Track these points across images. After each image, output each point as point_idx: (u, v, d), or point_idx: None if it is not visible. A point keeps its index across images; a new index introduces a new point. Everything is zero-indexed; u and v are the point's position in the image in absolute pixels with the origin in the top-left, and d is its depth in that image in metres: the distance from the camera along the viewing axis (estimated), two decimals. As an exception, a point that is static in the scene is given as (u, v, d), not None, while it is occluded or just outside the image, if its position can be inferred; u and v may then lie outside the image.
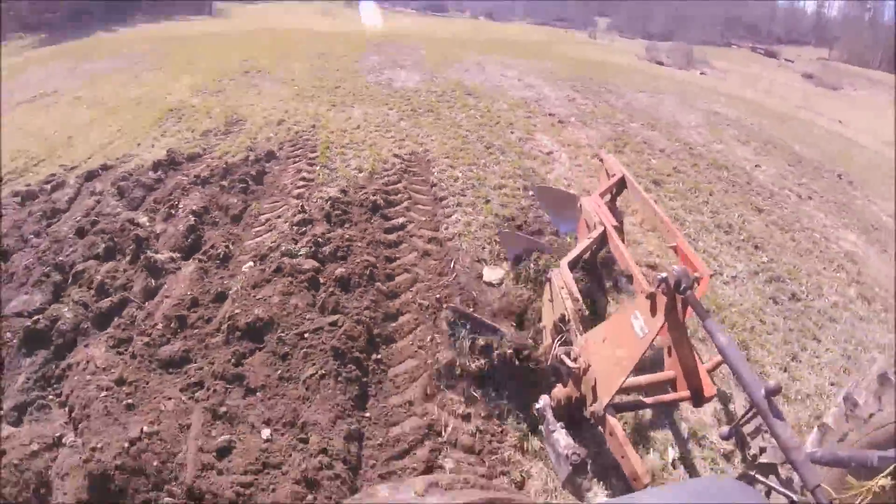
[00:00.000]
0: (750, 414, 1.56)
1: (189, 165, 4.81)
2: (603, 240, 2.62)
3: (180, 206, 3.94)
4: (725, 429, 1.75)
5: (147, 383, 2.32)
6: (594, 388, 1.87)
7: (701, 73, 18.87)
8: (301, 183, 4.17)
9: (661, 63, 19.88)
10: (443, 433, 2.11)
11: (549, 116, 6.03)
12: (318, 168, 4.46)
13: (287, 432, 2.09)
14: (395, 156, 4.81)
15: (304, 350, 2.43)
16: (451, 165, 4.47)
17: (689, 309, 1.66)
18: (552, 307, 2.39)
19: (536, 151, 4.94)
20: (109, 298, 2.93)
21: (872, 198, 5.82)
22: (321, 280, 2.95)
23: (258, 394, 2.26)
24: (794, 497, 1.41)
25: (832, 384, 2.48)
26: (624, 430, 1.83)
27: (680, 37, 24.62)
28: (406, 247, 3.40)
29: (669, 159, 5.02)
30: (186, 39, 15.97)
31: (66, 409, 2.25)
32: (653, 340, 1.68)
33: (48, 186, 4.84)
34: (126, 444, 1.82)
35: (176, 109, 6.83)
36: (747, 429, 1.80)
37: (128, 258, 3.32)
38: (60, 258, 3.41)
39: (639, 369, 1.85)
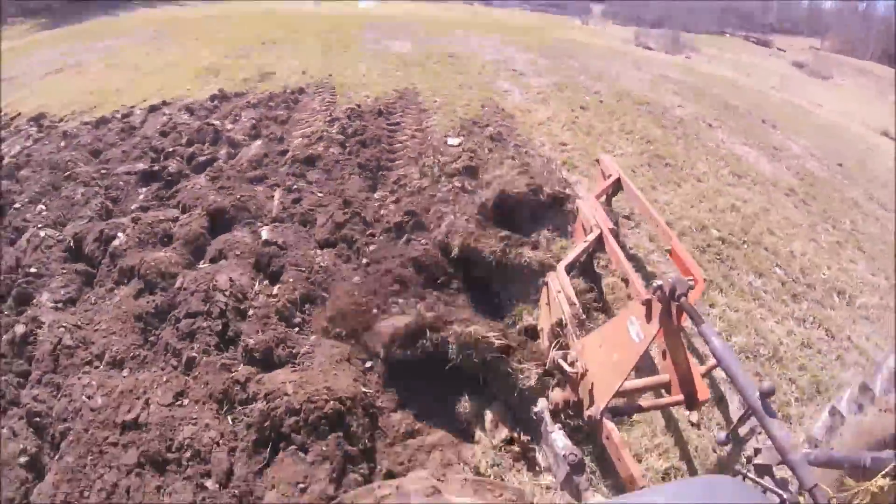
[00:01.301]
0: (746, 415, 1.74)
1: (237, 98, 7.09)
2: (599, 243, 2.94)
3: (241, 116, 6.22)
4: (722, 434, 1.93)
5: (240, 186, 4.51)
6: (591, 392, 2.09)
7: (686, 58, 21.40)
8: (328, 104, 6.48)
9: (649, 48, 22.34)
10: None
11: (513, 71, 8.41)
12: (338, 97, 6.76)
13: (333, 199, 4.32)
14: (394, 90, 7.14)
15: (340, 167, 4.71)
16: (432, 95, 6.79)
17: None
18: (549, 311, 2.66)
19: (496, 89, 7.30)
20: (200, 158, 5.12)
21: (794, 138, 8.10)
22: (348, 144, 5.24)
23: (314, 185, 4.51)
24: (785, 496, 1.53)
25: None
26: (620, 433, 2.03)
27: (673, 25, 27.26)
28: (400, 133, 5.69)
29: (600, 95, 7.38)
30: (193, 21, 18.15)
31: (179, 206, 4.36)
32: (648, 345, 1.88)
33: (118, 115, 7.06)
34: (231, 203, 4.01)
35: (211, 68, 9.10)
36: (743, 430, 1.98)
37: (209, 140, 5.56)
38: (153, 143, 5.60)
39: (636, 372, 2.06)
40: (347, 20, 15.50)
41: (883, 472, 1.32)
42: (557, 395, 2.31)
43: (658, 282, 1.86)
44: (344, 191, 4.34)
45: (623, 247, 3.44)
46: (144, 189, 4.59)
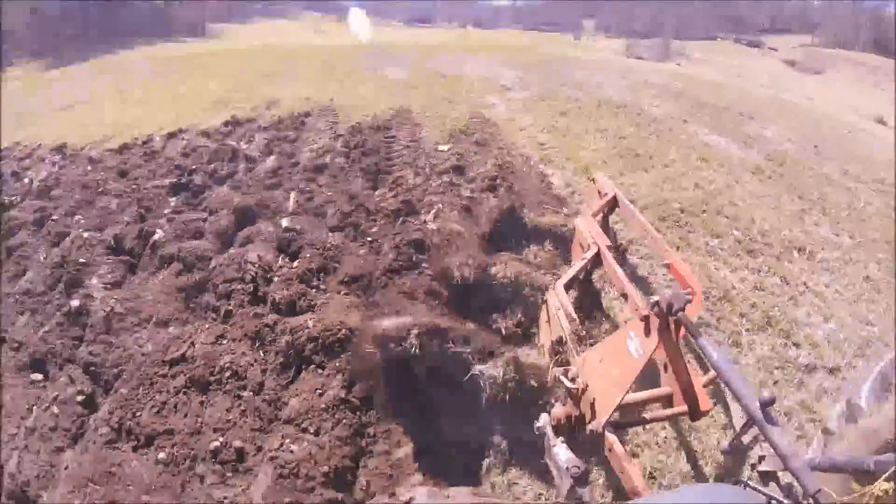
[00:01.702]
0: (747, 425, 1.83)
1: (249, 124, 7.96)
2: (597, 260, 3.06)
3: (255, 137, 7.07)
4: (725, 443, 2.03)
5: (260, 191, 5.28)
6: (593, 407, 2.18)
7: (676, 64, 22.40)
8: (331, 123, 7.31)
9: (640, 58, 23.41)
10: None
11: (499, 87, 9.27)
12: (339, 117, 7.61)
13: (340, 196, 5.04)
14: (390, 109, 7.97)
15: (345, 172, 5.47)
16: (425, 112, 7.62)
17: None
18: (549, 328, 2.80)
19: (483, 103, 8.12)
20: (221, 173, 5.94)
21: (769, 126, 8.78)
22: (351, 155, 6.02)
23: (324, 187, 5.26)
24: (788, 502, 1.61)
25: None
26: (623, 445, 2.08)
27: (664, 34, 28.49)
28: (396, 143, 6.47)
29: (580, 103, 8.16)
30: (194, 57, 19.38)
31: (207, 210, 5.12)
32: (648, 360, 1.98)
33: (139, 142, 7.95)
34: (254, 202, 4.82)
35: (220, 100, 10.08)
36: (745, 439, 2.05)
37: (227, 158, 6.39)
38: (176, 163, 6.43)
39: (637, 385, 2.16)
40: (343, 51, 16.66)
41: (886, 476, 1.34)
42: (559, 410, 2.41)
43: (655, 297, 1.95)
44: (349, 189, 5.10)
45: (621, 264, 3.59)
46: (174, 198, 5.37)
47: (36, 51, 27.23)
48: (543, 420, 2.38)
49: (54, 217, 5.55)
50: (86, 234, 4.81)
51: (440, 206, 4.46)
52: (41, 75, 21.76)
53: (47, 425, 2.98)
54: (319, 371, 2.79)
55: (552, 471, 2.25)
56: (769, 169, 6.50)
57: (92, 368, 3.28)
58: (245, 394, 2.75)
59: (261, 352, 3.02)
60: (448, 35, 24.16)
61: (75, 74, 18.85)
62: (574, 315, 2.70)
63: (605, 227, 3.61)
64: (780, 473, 1.84)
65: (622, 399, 2.09)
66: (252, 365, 2.87)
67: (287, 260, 3.90)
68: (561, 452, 2.17)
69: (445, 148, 6.03)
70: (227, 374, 2.84)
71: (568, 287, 2.96)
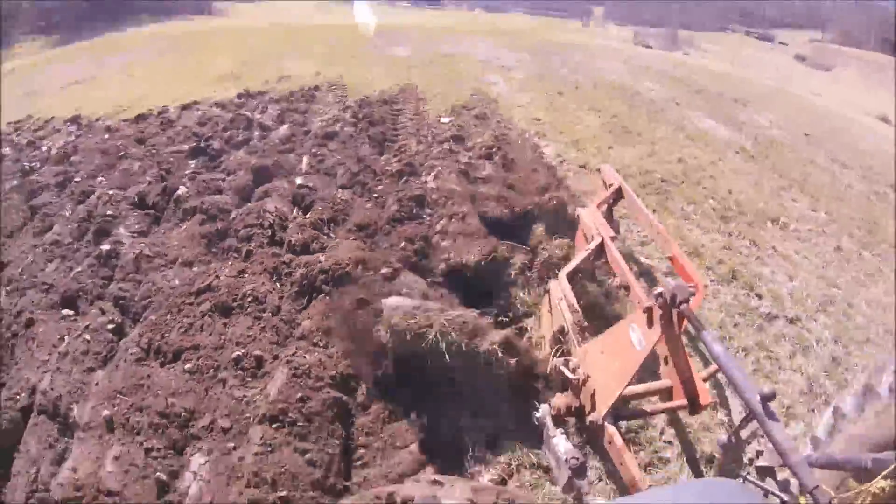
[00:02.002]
0: (747, 419, 1.87)
1: (261, 96, 8.40)
2: (601, 250, 3.11)
3: (268, 108, 7.52)
4: (724, 436, 2.05)
5: (275, 155, 5.75)
6: (593, 398, 2.23)
7: (684, 54, 22.63)
8: (340, 97, 7.78)
9: (648, 46, 23.63)
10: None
11: (501, 67, 9.69)
12: (348, 92, 8.06)
13: (349, 159, 5.50)
14: (396, 85, 8.43)
15: (353, 139, 5.93)
16: (429, 88, 8.08)
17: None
18: (551, 318, 2.85)
19: (485, 81, 8.55)
20: (237, 139, 6.40)
21: (763, 114, 9.19)
22: (359, 125, 6.47)
23: (334, 151, 5.71)
24: (786, 498, 1.66)
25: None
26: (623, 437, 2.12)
27: (674, 24, 28.62)
28: (401, 116, 6.92)
29: (578, 84, 8.59)
30: (202, 34, 19.70)
31: (225, 171, 5.58)
32: (650, 352, 2.03)
33: (154, 112, 8.40)
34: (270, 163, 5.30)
35: (231, 74, 10.51)
36: (745, 433, 2.10)
37: (242, 126, 6.85)
38: (193, 131, 6.89)
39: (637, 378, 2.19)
40: (350, 31, 17.01)
41: (883, 474, 1.36)
42: (559, 400, 2.45)
43: (659, 289, 1.98)
44: (358, 154, 5.57)
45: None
46: (193, 161, 5.84)
47: (42, 28, 27.58)
48: (543, 411, 2.42)
49: (76, 179, 5.99)
50: (110, 192, 5.27)
51: (440, 168, 4.93)
52: (48, 52, 22.12)
53: (79, 350, 3.33)
54: (328, 298, 3.28)
55: (551, 462, 2.29)
56: (755, 150, 6.95)
57: (121, 302, 3.72)
58: (264, 315, 3.23)
59: (278, 283, 3.50)
60: (456, 18, 24.37)
61: (83, 52, 19.07)
62: (576, 305, 2.73)
63: (610, 217, 3.68)
64: (778, 469, 1.90)
65: (623, 391, 2.12)
66: (271, 292, 3.36)
67: (300, 212, 4.38)
68: (560, 444, 2.23)
69: (447, 120, 6.49)
70: (249, 299, 3.32)
71: (571, 277, 3.02)
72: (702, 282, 2.85)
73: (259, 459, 2.32)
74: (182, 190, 4.89)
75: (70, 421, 2.81)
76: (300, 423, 2.48)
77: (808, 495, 1.45)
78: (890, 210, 6.42)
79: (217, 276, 3.55)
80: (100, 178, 5.85)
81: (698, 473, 2.66)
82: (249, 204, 4.55)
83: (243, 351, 2.99)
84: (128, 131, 7.54)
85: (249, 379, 2.89)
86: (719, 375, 2.82)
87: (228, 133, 6.55)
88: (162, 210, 4.85)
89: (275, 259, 3.67)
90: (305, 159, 5.48)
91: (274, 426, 2.45)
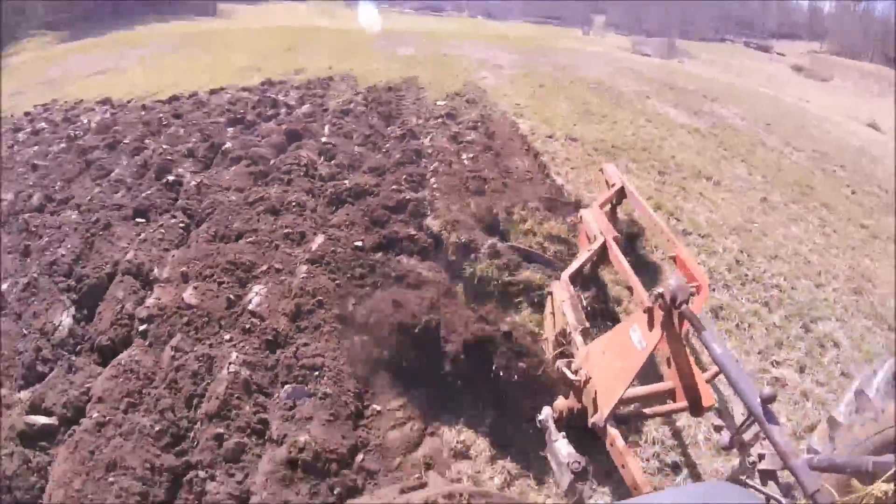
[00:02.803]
0: (748, 422, 1.97)
1: (281, 84, 10.13)
2: (604, 251, 3.23)
3: (289, 93, 9.24)
4: (725, 438, 2.19)
5: (301, 124, 7.43)
6: (595, 400, 2.35)
7: (679, 62, 24.60)
8: (352, 86, 9.51)
9: (645, 55, 25.63)
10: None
11: (493, 65, 11.47)
12: (358, 82, 9.80)
13: (362, 127, 7.17)
14: (400, 77, 10.17)
15: (365, 115, 7.62)
16: (428, 80, 9.80)
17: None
18: (553, 320, 2.98)
19: (477, 76, 10.31)
20: (266, 114, 8.08)
21: (729, 108, 10.86)
22: (369, 105, 8.18)
23: (350, 122, 7.38)
24: (786, 501, 1.73)
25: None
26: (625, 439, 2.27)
27: (673, 34, 30.78)
28: (404, 100, 8.63)
29: (559, 79, 10.33)
30: (210, 33, 21.59)
31: (260, 137, 7.23)
32: (651, 353, 2.14)
33: (185, 95, 10.09)
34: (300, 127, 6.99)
35: (251, 66, 12.28)
36: (746, 436, 2.22)
37: (269, 105, 8.54)
38: (225, 108, 8.56)
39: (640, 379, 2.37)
40: (356, 33, 18.94)
41: (885, 477, 1.43)
42: (562, 403, 2.56)
43: (659, 289, 2.05)
44: (369, 123, 7.25)
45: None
46: (231, 129, 7.49)
47: (50, 24, 29.77)
48: (545, 413, 2.51)
49: (125, 141, 7.58)
50: (163, 147, 6.88)
51: (434, 134, 6.59)
52: (58, 47, 24.06)
53: (156, 237, 4.60)
54: (351, 206, 4.88)
55: (552, 465, 2.39)
56: (707, 131, 8.60)
57: (188, 211, 5.16)
58: (305, 212, 4.82)
59: (313, 198, 5.10)
60: (458, 24, 26.41)
61: (94, 47, 20.93)
62: (579, 307, 2.87)
63: (613, 218, 3.84)
64: (779, 472, 1.97)
65: (624, 392, 2.22)
66: (308, 202, 4.95)
67: (326, 160, 6.03)
68: (562, 447, 2.31)
69: (442, 103, 8.19)
70: (293, 205, 4.89)
71: (573, 279, 3.15)
72: (706, 281, 3.04)
73: (303, 281, 3.80)
74: (228, 144, 6.54)
75: (151, 278, 4.06)
76: (332, 264, 4.01)
77: (809, 499, 1.51)
78: (831, 181, 7.97)
79: (266, 193, 5.16)
80: (147, 141, 7.38)
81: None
82: (284, 154, 6.19)
83: (291, 230, 4.54)
84: (164, 109, 9.18)
85: (296, 245, 4.40)
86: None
87: (258, 110, 8.23)
88: (211, 160, 6.45)
89: (310, 184, 5.30)
90: (327, 127, 7.15)
91: (314, 265, 4.00)
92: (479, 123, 7.17)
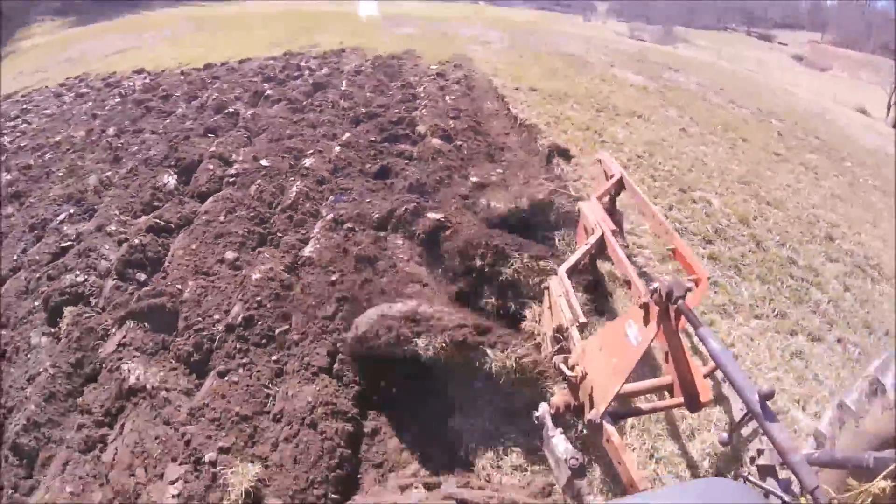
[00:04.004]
0: (746, 418, 2.11)
1: (301, 55, 12.98)
2: (602, 245, 3.50)
3: (310, 61, 12.11)
4: (724, 434, 2.31)
5: (323, 78, 10.31)
6: (591, 396, 2.52)
7: (674, 48, 27.41)
8: (361, 56, 12.45)
9: (642, 40, 28.41)
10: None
11: (483, 41, 14.33)
12: (366, 53, 12.68)
13: (372, 82, 9.98)
14: (401, 50, 13.05)
15: (373, 75, 10.48)
16: (425, 51, 12.68)
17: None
18: (550, 315, 3.23)
19: (467, 49, 13.17)
20: (293, 75, 10.95)
21: (690, 77, 13.61)
22: (377, 68, 11.04)
23: (362, 78, 10.22)
24: (787, 498, 1.86)
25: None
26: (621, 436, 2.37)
27: (674, 21, 33.63)
28: (404, 66, 11.48)
29: (538, 52, 13.13)
30: (224, 17, 24.40)
31: (291, 89, 10.14)
32: (647, 348, 2.29)
33: (217, 63, 12.98)
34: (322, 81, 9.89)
35: (271, 42, 15.17)
36: (745, 432, 2.35)
37: (293, 68, 11.40)
38: (257, 72, 11.43)
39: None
40: (363, 16, 21.87)
41: (884, 473, 1.52)
42: (558, 398, 2.77)
43: (655, 284, 2.21)
44: (377, 79, 10.09)
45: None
46: (266, 84, 10.35)
47: (59, 10, 33.00)
48: (542, 409, 2.71)
49: (176, 94, 10.44)
50: (214, 96, 9.73)
51: (426, 86, 9.41)
52: (68, 31, 27.01)
53: (227, 142, 7.49)
54: (366, 123, 7.67)
55: (550, 462, 2.60)
56: (654, 90, 11.35)
57: (248, 129, 7.93)
58: (335, 126, 7.63)
59: (339, 119, 7.94)
60: (461, 10, 29.32)
61: (107, 31, 23.83)
62: (576, 302, 3.03)
63: (612, 210, 4.04)
64: (778, 468, 2.14)
65: (621, 388, 2.40)
66: (336, 121, 7.79)
67: (346, 101, 8.84)
68: (560, 444, 2.50)
69: (434, 67, 11.02)
70: (326, 122, 7.72)
71: (571, 273, 3.32)
72: (705, 274, 3.24)
73: (337, 154, 6.56)
74: (268, 92, 9.39)
75: (231, 160, 6.85)
76: (355, 148, 6.79)
77: (808, 495, 1.61)
78: (761, 127, 10.61)
79: (305, 118, 7.99)
80: (198, 93, 10.27)
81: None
82: (313, 98, 9.02)
83: (326, 132, 7.36)
84: (201, 74, 12.06)
85: (330, 140, 7.19)
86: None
87: (286, 72, 11.12)
88: (256, 102, 9.29)
89: (336, 112, 8.14)
90: (344, 82, 10.02)
91: (344, 147, 6.77)
92: (462, 79, 9.98)
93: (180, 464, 2.85)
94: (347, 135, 7.07)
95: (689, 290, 2.22)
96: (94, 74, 13.69)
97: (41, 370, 3.71)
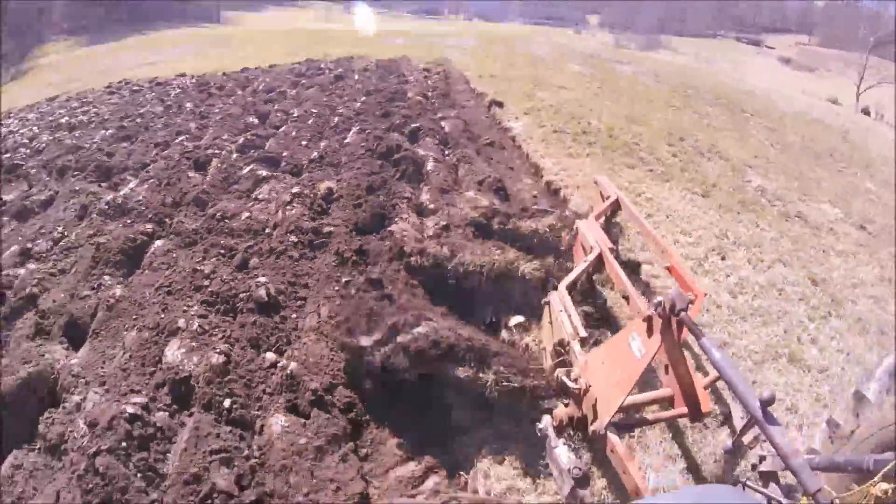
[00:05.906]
0: (748, 425, 2.46)
1: (318, 61, 19.19)
2: (599, 262, 4.07)
3: (329, 61, 18.31)
4: (728, 442, 2.78)
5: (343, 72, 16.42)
6: (595, 408, 2.88)
7: (654, 53, 33.72)
8: (366, 60, 18.77)
9: (626, 48, 34.68)
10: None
11: (462, 48, 20.59)
12: (372, 57, 18.95)
13: (376, 76, 16.01)
14: (399, 55, 19.36)
15: (378, 73, 16.64)
16: (414, 55, 18.95)
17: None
18: (552, 330, 3.70)
19: (449, 53, 19.43)
20: (317, 73, 17.08)
21: (638, 70, 19.58)
22: (380, 67, 17.22)
23: (370, 75, 16.28)
24: (786, 501, 2.14)
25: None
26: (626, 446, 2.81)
27: (665, 30, 40.13)
28: (400, 66, 17.65)
29: (505, 54, 19.25)
30: (234, 36, 31.03)
31: (317, 83, 16.21)
32: (650, 361, 2.62)
33: (252, 67, 19.19)
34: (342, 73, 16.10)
35: (289, 53, 21.49)
36: (746, 438, 2.69)
37: (315, 69, 17.58)
38: (287, 71, 17.58)
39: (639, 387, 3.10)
40: (363, 33, 28.40)
41: (882, 473, 1.74)
42: (561, 411, 3.18)
43: (658, 298, 2.55)
44: (379, 74, 16.14)
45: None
46: (298, 77, 16.44)
47: (69, 30, 40.21)
48: (545, 421, 3.10)
49: (229, 85, 16.50)
50: (264, 83, 15.76)
51: (415, 75, 15.47)
52: (81, 50, 33.39)
53: (284, 104, 13.56)
54: (373, 96, 13.65)
55: (553, 472, 2.97)
56: (591, 75, 17.30)
57: (294, 100, 13.95)
58: (354, 99, 13.63)
59: (356, 93, 13.92)
60: (453, 26, 36.12)
61: (121, 49, 30.20)
62: (576, 316, 3.54)
63: (608, 229, 4.80)
64: (780, 473, 2.43)
65: (624, 400, 2.75)
66: (354, 94, 13.77)
67: (359, 85, 14.85)
68: (563, 454, 2.85)
69: (422, 65, 17.12)
70: (346, 97, 13.72)
71: (570, 289, 3.91)
72: (701, 290, 3.81)
73: (360, 105, 12.49)
74: (304, 81, 15.49)
75: (290, 112, 12.86)
76: (368, 108, 12.69)
77: (810, 498, 1.84)
78: (687, 98, 16.44)
79: (332, 95, 14.01)
80: (246, 85, 16.36)
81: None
82: (335, 84, 15.07)
83: (347, 99, 13.40)
84: (242, 74, 18.25)
85: (350, 102, 13.19)
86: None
87: (310, 71, 17.29)
88: (296, 85, 15.33)
89: (352, 91, 14.16)
90: (356, 75, 16.15)
91: (362, 104, 12.69)
92: (441, 72, 16.05)
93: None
94: (363, 98, 13.08)
95: (692, 302, 2.72)
96: (135, 79, 19.45)
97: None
